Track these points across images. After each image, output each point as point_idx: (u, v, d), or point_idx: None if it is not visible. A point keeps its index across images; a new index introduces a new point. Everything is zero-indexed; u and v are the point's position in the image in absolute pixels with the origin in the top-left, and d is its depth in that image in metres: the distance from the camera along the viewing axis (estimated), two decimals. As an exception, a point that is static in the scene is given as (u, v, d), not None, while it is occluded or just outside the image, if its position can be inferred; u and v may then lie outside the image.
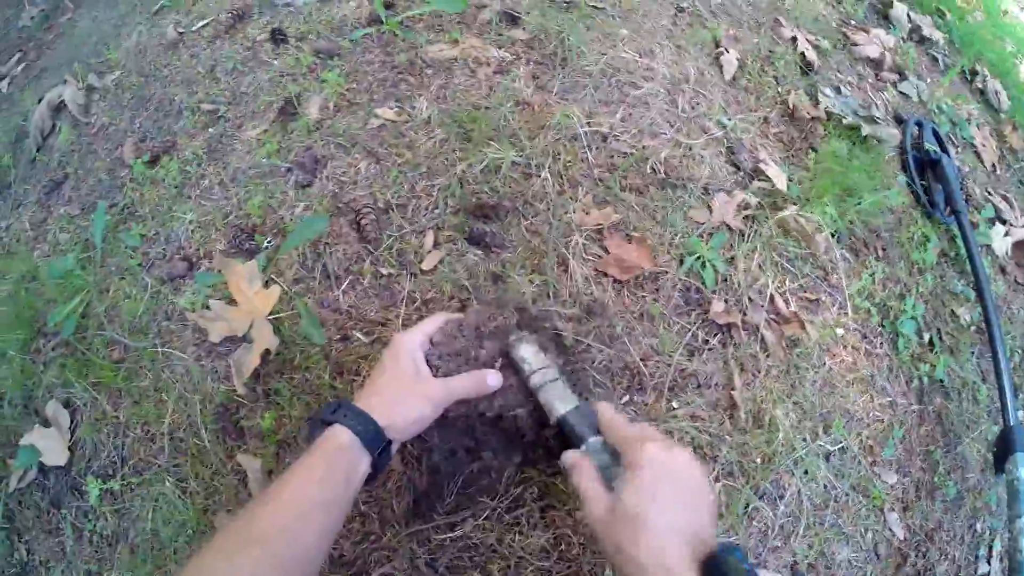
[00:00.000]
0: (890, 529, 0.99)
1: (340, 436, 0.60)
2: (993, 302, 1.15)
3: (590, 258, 0.91)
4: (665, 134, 1.06)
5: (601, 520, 0.55)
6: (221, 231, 1.01)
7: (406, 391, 0.66)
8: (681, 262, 0.94)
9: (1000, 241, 1.35)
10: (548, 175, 0.97)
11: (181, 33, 1.37)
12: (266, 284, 0.92)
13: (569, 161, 0.99)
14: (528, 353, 0.73)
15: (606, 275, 0.90)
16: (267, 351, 0.87)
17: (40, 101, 1.40)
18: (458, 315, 0.77)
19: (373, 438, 0.61)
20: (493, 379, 0.70)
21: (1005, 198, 1.46)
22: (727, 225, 0.98)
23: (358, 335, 0.88)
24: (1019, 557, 0.93)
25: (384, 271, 0.91)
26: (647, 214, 0.97)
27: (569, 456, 0.63)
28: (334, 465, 0.59)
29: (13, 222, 1.30)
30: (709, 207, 0.99)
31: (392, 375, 0.68)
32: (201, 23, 1.36)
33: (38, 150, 1.39)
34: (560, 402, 0.68)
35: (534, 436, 0.74)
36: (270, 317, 0.89)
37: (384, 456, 0.63)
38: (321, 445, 0.60)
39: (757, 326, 0.93)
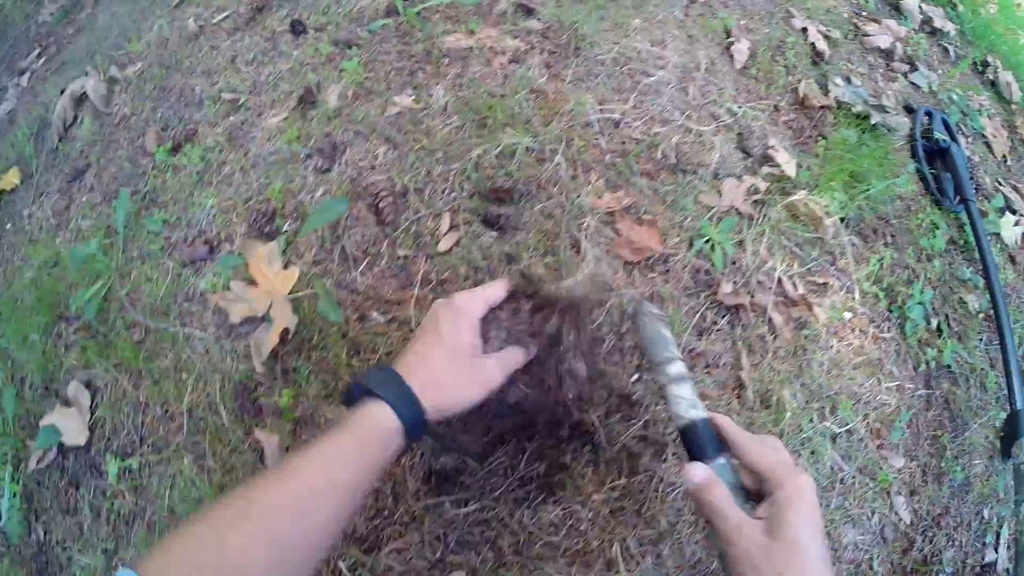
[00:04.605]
0: (897, 513, 1.00)
1: (381, 417, 0.55)
2: (1000, 288, 1.15)
3: (602, 240, 0.93)
4: (676, 121, 1.08)
5: (758, 547, 0.51)
6: (242, 215, 1.04)
7: (464, 375, 0.60)
8: (691, 245, 0.95)
9: (1010, 230, 1.35)
10: (561, 160, 0.99)
11: (202, 26, 1.40)
12: (286, 265, 0.95)
13: (582, 147, 1.01)
14: (658, 333, 0.66)
15: (617, 256, 0.92)
16: (286, 330, 0.90)
17: (62, 93, 1.43)
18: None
19: (415, 424, 0.56)
20: (527, 354, 0.66)
21: (1016, 188, 1.46)
22: (736, 209, 1.00)
23: (375, 315, 0.90)
24: (1026, 541, 0.94)
25: (401, 253, 0.94)
26: (658, 198, 0.99)
27: (699, 472, 0.57)
28: (367, 447, 0.54)
29: (36, 210, 1.33)
30: (719, 192, 1.01)
31: (450, 351, 0.61)
32: (221, 16, 1.39)
33: (60, 140, 1.42)
34: (690, 407, 0.61)
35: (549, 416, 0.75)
36: (289, 297, 0.92)
37: (415, 438, 0.58)
38: (359, 421, 0.55)
39: (765, 308, 0.94)
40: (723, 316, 0.93)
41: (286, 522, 0.49)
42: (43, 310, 1.12)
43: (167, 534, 0.49)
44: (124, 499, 0.95)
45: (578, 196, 0.96)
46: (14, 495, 1.03)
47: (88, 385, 1.03)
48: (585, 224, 0.93)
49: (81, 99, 1.42)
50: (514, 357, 0.65)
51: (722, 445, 0.59)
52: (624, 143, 1.03)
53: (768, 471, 0.55)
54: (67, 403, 1.03)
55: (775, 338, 0.94)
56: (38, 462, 1.02)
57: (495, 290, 0.68)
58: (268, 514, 0.48)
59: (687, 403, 0.61)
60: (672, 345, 0.66)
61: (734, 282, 0.95)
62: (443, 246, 0.92)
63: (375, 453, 0.54)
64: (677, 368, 0.64)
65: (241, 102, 1.18)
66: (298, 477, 0.51)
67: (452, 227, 0.94)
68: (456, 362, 0.61)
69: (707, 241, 0.95)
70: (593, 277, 0.73)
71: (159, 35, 1.44)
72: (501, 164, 0.98)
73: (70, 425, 1.00)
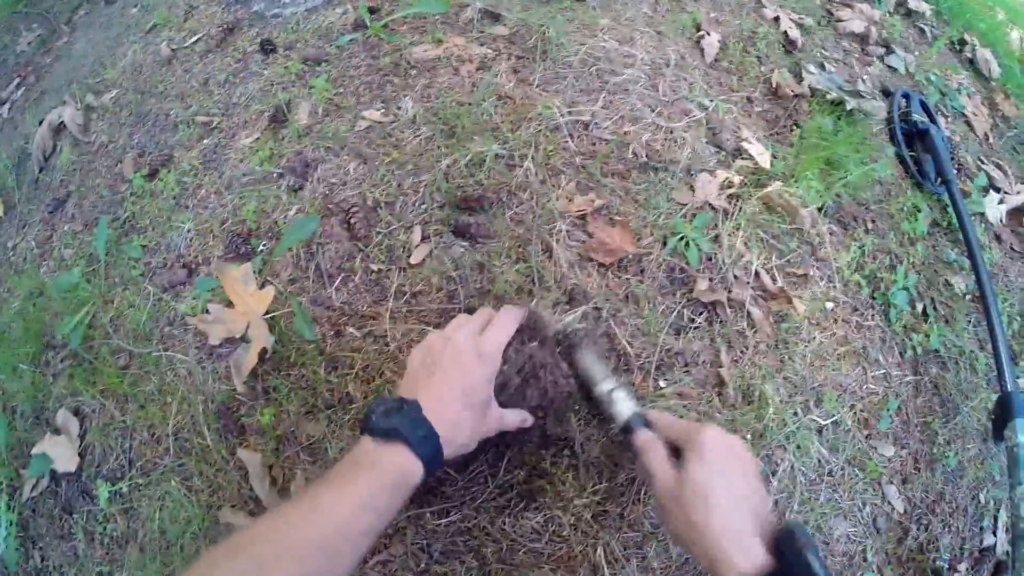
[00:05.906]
0: (889, 502, 0.99)
1: (410, 468, 0.57)
2: (986, 269, 1.14)
3: (574, 244, 0.93)
4: (646, 119, 1.07)
5: (671, 495, 0.60)
6: (218, 237, 1.04)
7: (476, 425, 0.64)
8: (665, 243, 0.95)
9: (994, 209, 1.34)
10: (531, 165, 0.99)
11: (174, 49, 1.41)
12: (262, 285, 0.95)
13: (551, 150, 1.01)
14: (592, 363, 0.80)
15: (590, 260, 0.92)
16: (264, 350, 0.90)
17: (41, 123, 1.44)
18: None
19: (436, 465, 0.59)
20: (530, 420, 0.72)
21: (999, 166, 1.45)
22: (710, 204, 0.99)
23: (351, 330, 0.90)
24: (1021, 525, 0.93)
25: (374, 267, 0.94)
26: (630, 198, 0.98)
27: (642, 435, 0.68)
28: (397, 497, 0.56)
29: (19, 241, 1.34)
30: (691, 188, 1.00)
31: (470, 403, 0.64)
32: (193, 39, 1.40)
33: (41, 171, 1.43)
34: (632, 405, 0.75)
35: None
36: (266, 317, 0.92)
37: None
38: (388, 467, 0.57)
39: (743, 303, 0.93)
40: (700, 314, 0.93)
41: (321, 564, 0.51)
42: (31, 340, 1.13)
43: (204, 567, 0.50)
44: (116, 522, 0.96)
45: (548, 201, 0.95)
46: (10, 523, 1.04)
47: (77, 412, 1.04)
48: (556, 228, 0.93)
49: (60, 128, 1.43)
50: (515, 418, 0.70)
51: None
52: (594, 144, 1.03)
53: (678, 435, 0.65)
54: (57, 431, 1.03)
55: (755, 333, 0.94)
56: (32, 490, 1.03)
57: (510, 327, 0.72)
58: (305, 555, 0.51)
59: (629, 403, 0.75)
60: (597, 368, 0.81)
61: (710, 278, 0.94)
62: (415, 258, 0.92)
63: (401, 501, 0.57)
64: (614, 380, 0.79)
65: (214, 124, 1.19)
66: (330, 518, 0.53)
67: (423, 239, 0.94)
68: (473, 414, 0.64)
69: (681, 239, 0.95)
70: (595, 338, 0.86)
71: (133, 60, 1.45)
72: (471, 173, 0.98)
73: (61, 452, 1.01)
